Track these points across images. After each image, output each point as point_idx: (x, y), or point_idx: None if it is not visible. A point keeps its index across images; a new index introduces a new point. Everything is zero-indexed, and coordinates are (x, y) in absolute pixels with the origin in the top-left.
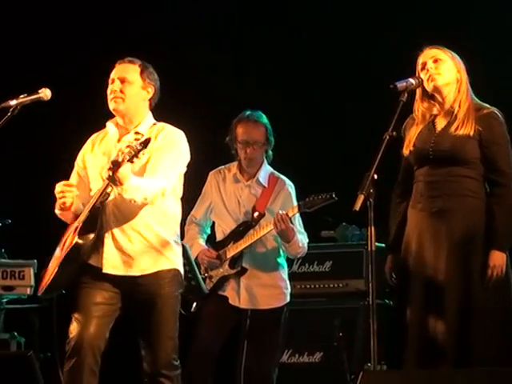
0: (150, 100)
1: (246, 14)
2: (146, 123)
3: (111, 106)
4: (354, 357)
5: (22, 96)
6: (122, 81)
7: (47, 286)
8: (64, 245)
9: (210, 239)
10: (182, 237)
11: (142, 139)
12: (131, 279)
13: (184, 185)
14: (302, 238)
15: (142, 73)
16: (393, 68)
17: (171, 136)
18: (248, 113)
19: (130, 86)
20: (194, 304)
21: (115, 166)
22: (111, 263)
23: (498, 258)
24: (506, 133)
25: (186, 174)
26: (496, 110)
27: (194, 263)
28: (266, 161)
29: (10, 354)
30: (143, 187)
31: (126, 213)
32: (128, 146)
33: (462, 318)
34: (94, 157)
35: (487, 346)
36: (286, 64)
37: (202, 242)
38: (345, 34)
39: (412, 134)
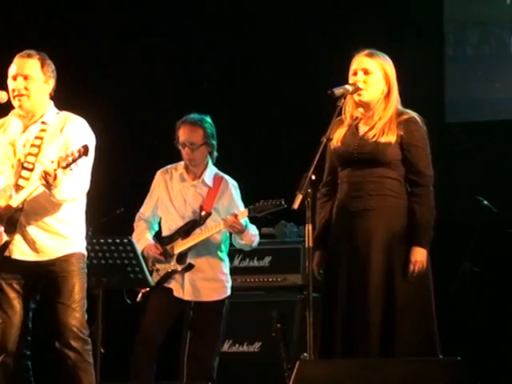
0: (50, 92)
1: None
2: (50, 113)
3: (16, 104)
4: (291, 347)
5: None
6: (25, 77)
7: None
8: None
9: (158, 234)
10: (131, 233)
11: (79, 149)
12: (40, 264)
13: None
14: (253, 227)
15: (42, 67)
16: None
17: (81, 127)
18: (191, 115)
19: (34, 83)
20: (140, 294)
21: (49, 175)
22: (20, 250)
23: (419, 254)
24: (426, 136)
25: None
26: (416, 115)
27: (140, 257)
28: (210, 161)
29: None
30: (73, 188)
31: (32, 204)
32: (65, 156)
33: (385, 312)
34: None
35: (408, 338)
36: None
37: (148, 236)
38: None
39: (338, 134)
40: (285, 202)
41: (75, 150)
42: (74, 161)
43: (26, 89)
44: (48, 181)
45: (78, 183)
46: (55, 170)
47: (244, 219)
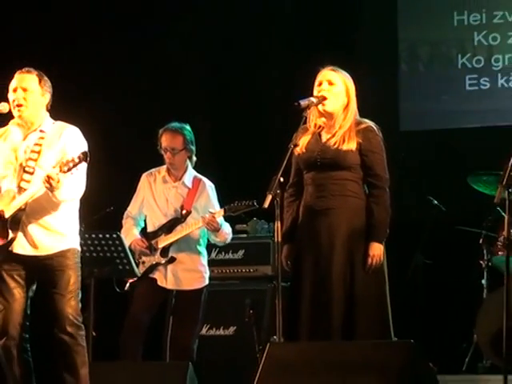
0: (46, 104)
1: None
2: (47, 123)
3: (16, 113)
4: (262, 331)
5: None
6: (24, 90)
7: None
8: None
9: (143, 230)
10: (120, 229)
11: (79, 155)
12: (38, 258)
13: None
14: (227, 226)
15: (40, 82)
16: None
17: (76, 135)
18: (172, 124)
19: (32, 95)
20: (128, 284)
21: (52, 178)
22: (20, 245)
23: (376, 249)
24: (382, 143)
25: None
26: (372, 124)
27: (127, 250)
28: (190, 165)
29: None
30: (73, 190)
31: (33, 205)
32: (66, 161)
33: (347, 300)
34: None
35: (367, 324)
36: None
37: (135, 232)
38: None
39: (303, 141)
40: (256, 202)
41: (75, 156)
42: (75, 165)
43: (24, 99)
44: (51, 184)
45: (76, 185)
46: (57, 174)
47: (220, 218)
